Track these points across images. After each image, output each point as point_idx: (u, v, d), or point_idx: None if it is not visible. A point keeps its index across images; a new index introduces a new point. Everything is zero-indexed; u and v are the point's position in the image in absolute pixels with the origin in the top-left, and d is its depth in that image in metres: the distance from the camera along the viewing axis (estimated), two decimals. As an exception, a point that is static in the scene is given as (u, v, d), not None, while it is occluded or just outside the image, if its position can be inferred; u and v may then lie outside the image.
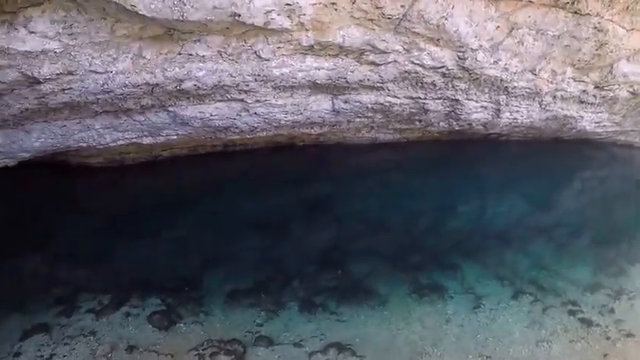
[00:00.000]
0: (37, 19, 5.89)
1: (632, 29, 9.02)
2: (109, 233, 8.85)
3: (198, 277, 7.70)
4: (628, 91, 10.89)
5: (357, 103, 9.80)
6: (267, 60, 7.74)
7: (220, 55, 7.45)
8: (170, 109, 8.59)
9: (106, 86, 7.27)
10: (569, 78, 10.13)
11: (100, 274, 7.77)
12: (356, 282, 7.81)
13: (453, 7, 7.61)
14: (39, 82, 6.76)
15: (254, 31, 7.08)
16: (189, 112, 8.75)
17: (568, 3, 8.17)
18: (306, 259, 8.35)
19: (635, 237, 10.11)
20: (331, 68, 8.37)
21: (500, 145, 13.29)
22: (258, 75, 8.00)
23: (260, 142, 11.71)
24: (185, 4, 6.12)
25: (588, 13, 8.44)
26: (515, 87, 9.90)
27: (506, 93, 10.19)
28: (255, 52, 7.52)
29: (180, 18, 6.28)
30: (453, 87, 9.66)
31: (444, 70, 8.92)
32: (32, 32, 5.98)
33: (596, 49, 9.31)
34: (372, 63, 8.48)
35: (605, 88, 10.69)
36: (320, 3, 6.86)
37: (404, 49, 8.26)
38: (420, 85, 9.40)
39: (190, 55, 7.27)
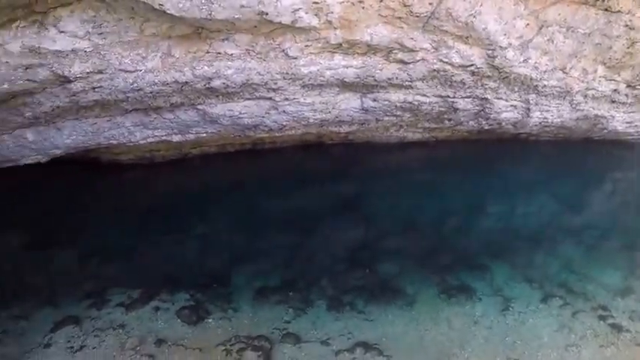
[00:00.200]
0: (66, 18, 6.04)
1: (665, 27, 8.80)
2: (139, 229, 9.00)
3: (227, 274, 7.74)
4: (661, 90, 10.62)
5: (386, 102, 9.77)
6: (295, 58, 7.77)
7: (248, 53, 7.51)
8: (199, 107, 8.70)
9: (135, 84, 7.41)
10: (600, 77, 9.95)
11: (129, 270, 7.90)
12: (384, 281, 7.75)
13: (481, 4, 7.54)
14: (69, 81, 6.93)
15: (282, 29, 7.11)
16: (218, 110, 8.85)
17: (598, 0, 8.03)
18: (335, 257, 8.33)
19: (667, 241, 9.78)
20: (360, 66, 8.36)
21: (530, 144, 13.13)
22: (287, 73, 8.04)
23: (289, 140, 11.79)
24: (213, 3, 6.19)
25: (619, 11, 8.30)
26: (545, 86, 9.75)
27: (536, 92, 10.04)
28: (283, 51, 7.56)
29: (208, 17, 6.36)
30: (482, 85, 9.56)
31: (473, 68, 8.83)
32: (62, 32, 6.14)
33: (628, 47, 9.15)
34: (401, 61, 8.44)
35: (638, 87, 10.48)
36: (348, 1, 6.86)
37: (432, 47, 8.20)
38: (449, 83, 9.32)
39: (219, 53, 7.35)
